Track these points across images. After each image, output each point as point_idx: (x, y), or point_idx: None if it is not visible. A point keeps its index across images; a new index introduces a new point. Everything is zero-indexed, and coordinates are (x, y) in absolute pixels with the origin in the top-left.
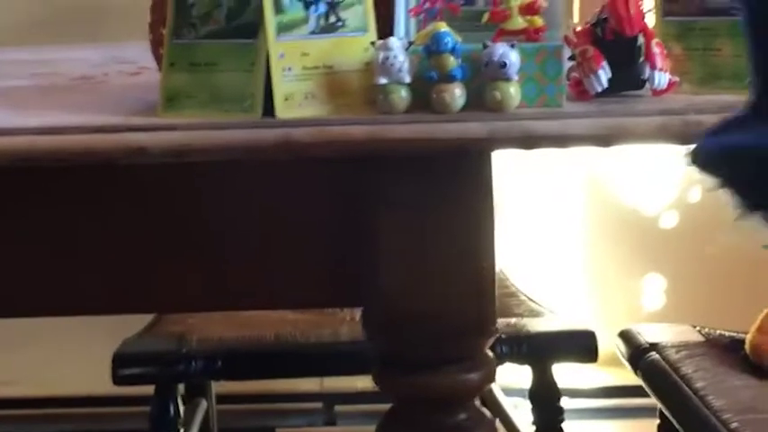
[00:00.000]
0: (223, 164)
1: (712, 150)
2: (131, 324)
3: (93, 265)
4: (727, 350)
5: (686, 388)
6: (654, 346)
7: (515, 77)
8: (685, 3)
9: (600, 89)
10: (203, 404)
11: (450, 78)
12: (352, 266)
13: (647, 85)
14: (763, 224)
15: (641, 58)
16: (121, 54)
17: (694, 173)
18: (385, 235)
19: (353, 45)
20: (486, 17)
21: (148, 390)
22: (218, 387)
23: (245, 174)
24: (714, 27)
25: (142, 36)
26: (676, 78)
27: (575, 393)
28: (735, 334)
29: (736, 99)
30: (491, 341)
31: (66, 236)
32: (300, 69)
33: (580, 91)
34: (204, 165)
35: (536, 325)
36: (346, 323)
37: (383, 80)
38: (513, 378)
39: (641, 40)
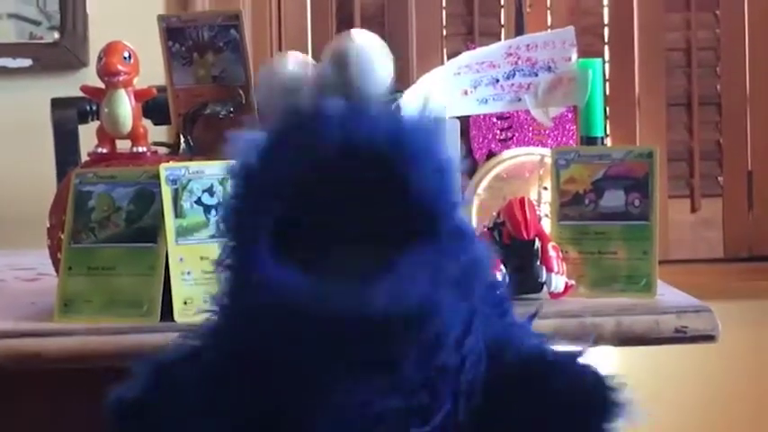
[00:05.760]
0: None
1: None
2: None
3: None
4: None
5: None
6: None
7: None
8: (580, 208)
9: None
10: None
11: None
12: None
13: (545, 288)
14: None
15: (538, 262)
16: (19, 261)
17: None
18: None
19: None
20: None
21: None
22: None
23: None
24: (608, 231)
25: (43, 243)
26: (572, 281)
27: None
28: None
29: (630, 302)
30: None
31: None
32: (200, 273)
33: None
34: None
35: None
36: None
37: None
38: None
39: (538, 243)
